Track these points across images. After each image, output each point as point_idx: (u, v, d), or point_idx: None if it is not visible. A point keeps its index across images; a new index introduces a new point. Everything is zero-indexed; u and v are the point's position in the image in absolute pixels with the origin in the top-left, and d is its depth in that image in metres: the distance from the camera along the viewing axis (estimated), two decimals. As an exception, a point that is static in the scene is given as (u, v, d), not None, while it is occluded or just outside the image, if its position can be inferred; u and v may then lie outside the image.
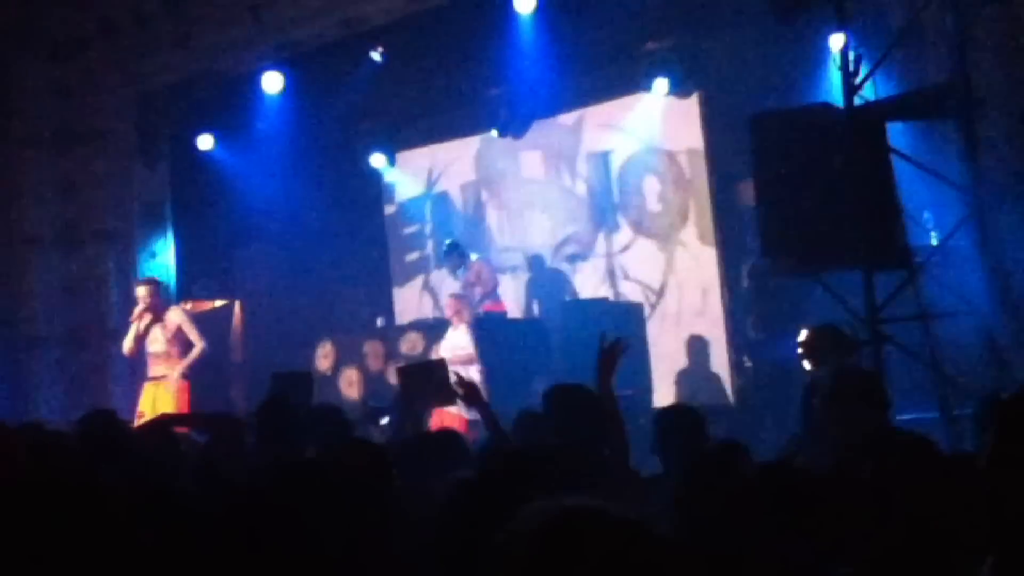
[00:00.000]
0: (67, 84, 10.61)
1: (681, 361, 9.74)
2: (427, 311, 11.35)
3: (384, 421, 7.59)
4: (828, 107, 6.55)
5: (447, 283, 10.56)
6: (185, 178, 11.07)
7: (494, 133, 10.76)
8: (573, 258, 10.70)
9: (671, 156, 10.14)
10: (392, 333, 9.95)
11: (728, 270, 9.55)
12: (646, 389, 8.96)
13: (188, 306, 9.96)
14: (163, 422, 4.56)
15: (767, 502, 2.32)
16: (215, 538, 2.05)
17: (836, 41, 6.80)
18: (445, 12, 9.08)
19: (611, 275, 10.47)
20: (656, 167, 10.27)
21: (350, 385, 9.76)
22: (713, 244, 9.81)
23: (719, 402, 9.18)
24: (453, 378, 4.91)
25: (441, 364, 5.61)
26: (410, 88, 10.65)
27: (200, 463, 3.81)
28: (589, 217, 10.71)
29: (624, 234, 10.47)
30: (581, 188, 10.82)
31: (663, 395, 9.19)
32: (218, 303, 11.16)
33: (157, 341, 8.66)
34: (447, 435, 4.19)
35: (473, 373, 7.91)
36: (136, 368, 10.11)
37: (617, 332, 4.30)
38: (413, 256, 12.03)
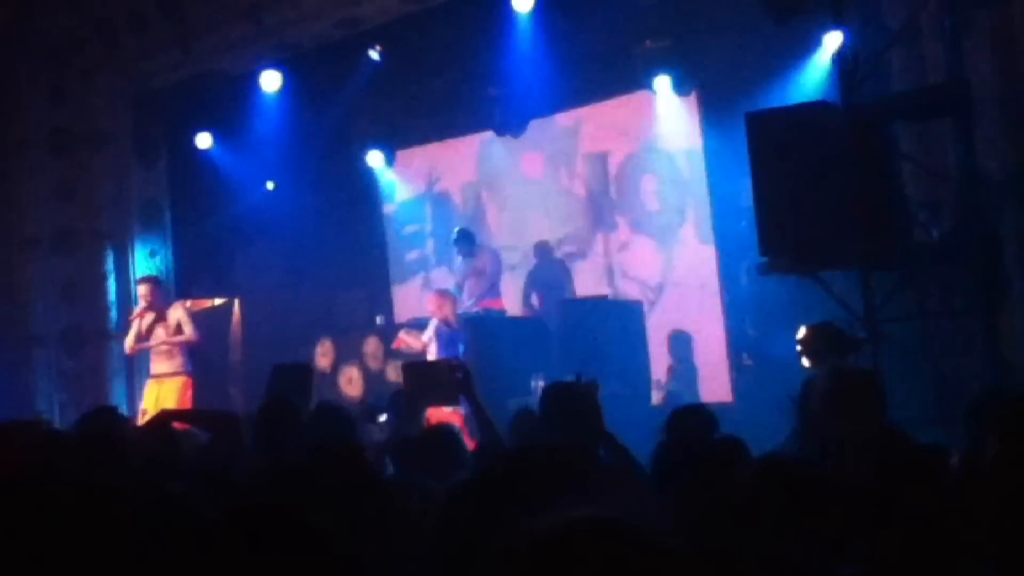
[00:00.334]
0: (65, 84, 10.61)
1: (680, 360, 9.74)
2: (427, 310, 11.34)
3: (382, 419, 7.59)
4: (826, 106, 6.55)
5: (447, 282, 10.56)
6: (183, 178, 11.08)
7: (492, 133, 10.77)
8: (572, 257, 10.70)
9: (669, 155, 10.15)
10: (391, 331, 9.95)
11: (726, 269, 9.55)
12: (645, 388, 8.96)
13: (188, 304, 9.98)
14: (164, 419, 4.55)
15: (767, 501, 2.32)
16: (215, 540, 2.05)
17: (834, 41, 6.81)
18: (443, 12, 9.08)
19: (610, 274, 10.47)
20: (654, 166, 10.28)
21: (349, 383, 9.77)
22: (711, 243, 9.82)
23: (718, 400, 9.18)
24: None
25: (446, 363, 5.61)
26: (408, 88, 10.65)
27: (201, 463, 3.81)
28: (588, 216, 10.71)
29: (623, 233, 10.47)
30: (579, 187, 10.82)
31: (662, 394, 9.19)
32: (217, 302, 11.17)
33: (159, 339, 8.68)
34: (446, 433, 4.20)
35: None
36: (135, 367, 10.13)
37: (616, 331, 4.30)
38: (412, 255, 12.03)
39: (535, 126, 10.68)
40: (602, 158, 10.62)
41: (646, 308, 9.99)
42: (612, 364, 8.07)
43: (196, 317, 9.17)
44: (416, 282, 11.91)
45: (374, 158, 11.59)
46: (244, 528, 2.01)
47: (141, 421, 6.58)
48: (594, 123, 10.61)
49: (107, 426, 4.17)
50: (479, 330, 9.03)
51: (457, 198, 11.68)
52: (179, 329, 8.66)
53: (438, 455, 3.92)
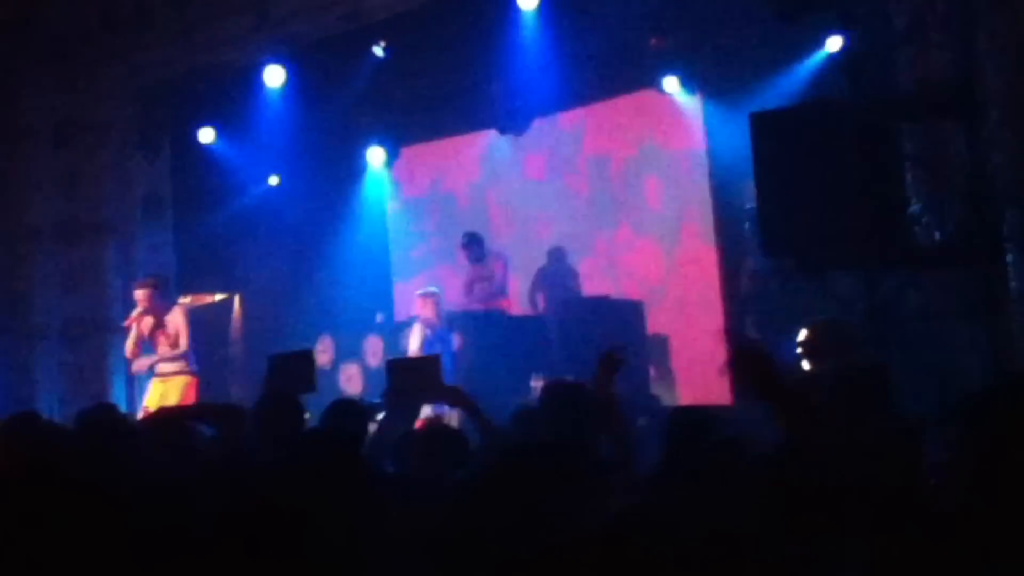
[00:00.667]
0: (68, 77, 10.60)
1: (681, 360, 9.73)
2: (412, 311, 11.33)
3: (380, 416, 7.58)
4: (830, 106, 6.53)
5: (447, 281, 10.54)
6: (186, 171, 11.06)
7: (496, 132, 10.75)
8: (574, 257, 10.68)
9: (672, 156, 10.13)
10: (391, 329, 9.95)
11: (728, 270, 9.54)
12: (645, 388, 8.95)
13: (188, 299, 9.96)
14: (167, 416, 4.53)
15: (767, 501, 2.31)
16: (219, 536, 2.04)
17: (839, 41, 6.80)
18: (447, 7, 9.06)
19: (612, 274, 10.45)
20: (657, 166, 10.26)
21: (349, 380, 9.76)
22: (713, 243, 9.80)
23: (719, 401, 9.16)
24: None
25: (432, 360, 5.56)
26: (412, 83, 10.63)
27: (206, 459, 3.79)
28: (590, 216, 10.69)
29: (625, 233, 10.46)
30: (582, 187, 10.81)
31: (662, 394, 9.18)
32: (218, 297, 11.18)
33: (161, 345, 8.69)
34: (445, 431, 4.19)
35: None
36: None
37: (617, 331, 4.29)
38: (414, 252, 12.01)
39: (538, 125, 10.67)
40: (605, 158, 10.61)
41: (647, 308, 9.98)
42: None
43: (197, 313, 9.16)
44: (417, 280, 11.90)
45: (377, 153, 11.58)
46: (244, 526, 2.00)
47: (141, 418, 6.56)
48: (597, 123, 10.60)
49: (107, 421, 4.16)
50: (479, 328, 9.02)
51: (460, 195, 11.66)
52: (177, 340, 8.66)
53: (438, 452, 3.91)
